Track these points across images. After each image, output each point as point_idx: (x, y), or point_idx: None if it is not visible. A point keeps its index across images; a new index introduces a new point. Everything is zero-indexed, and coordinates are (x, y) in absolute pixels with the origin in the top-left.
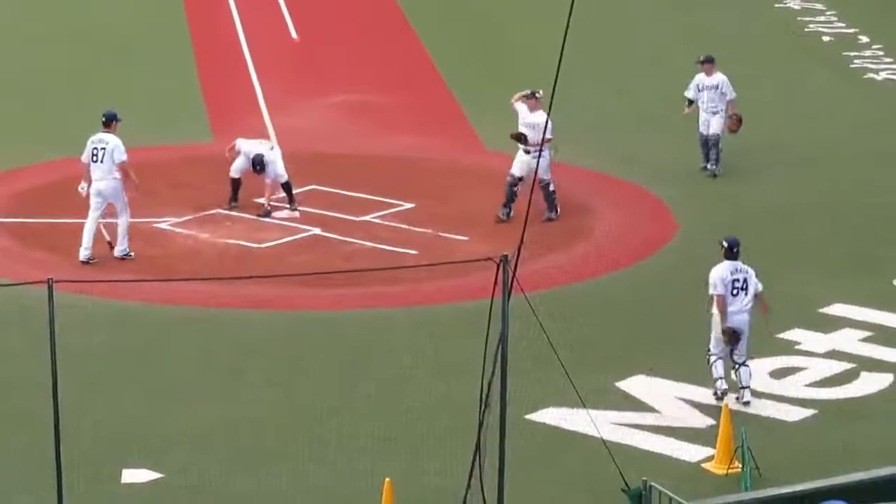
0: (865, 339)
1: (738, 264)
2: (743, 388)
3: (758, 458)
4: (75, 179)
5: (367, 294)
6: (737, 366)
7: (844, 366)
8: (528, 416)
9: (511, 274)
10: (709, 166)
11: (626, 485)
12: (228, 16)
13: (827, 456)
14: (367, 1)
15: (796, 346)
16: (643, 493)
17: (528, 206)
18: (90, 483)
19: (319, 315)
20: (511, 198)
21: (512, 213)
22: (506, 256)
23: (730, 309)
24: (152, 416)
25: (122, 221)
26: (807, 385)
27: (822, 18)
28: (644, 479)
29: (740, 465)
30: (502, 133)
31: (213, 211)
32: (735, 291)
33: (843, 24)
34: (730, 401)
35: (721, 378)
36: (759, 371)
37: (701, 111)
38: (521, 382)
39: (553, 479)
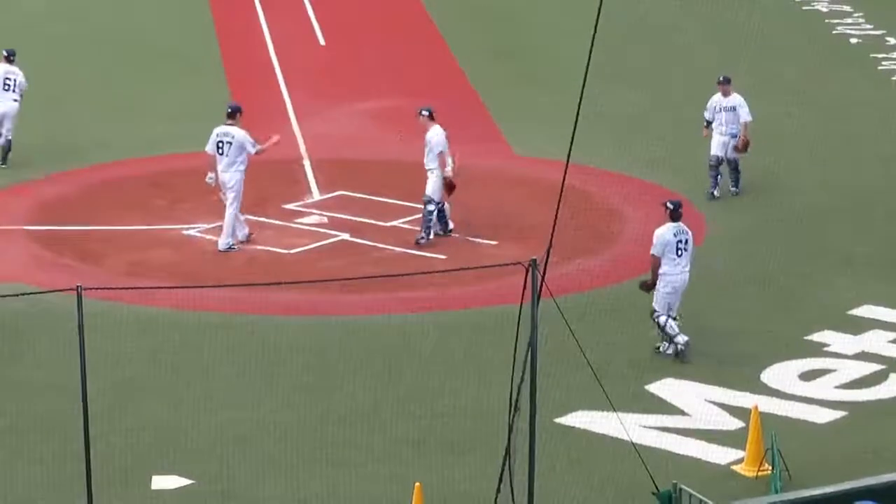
0: (895, 341)
1: (682, 226)
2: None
3: (787, 460)
4: (103, 186)
5: (397, 299)
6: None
7: (874, 367)
8: (557, 420)
9: (540, 278)
10: (730, 188)
11: (656, 487)
12: (256, 22)
13: (857, 457)
14: (395, 6)
15: (825, 348)
16: (673, 495)
17: (557, 210)
18: (120, 489)
19: (349, 320)
20: (429, 221)
21: (432, 236)
22: (534, 261)
23: (672, 269)
24: (181, 423)
25: (229, 214)
26: (836, 387)
27: (850, 20)
28: (674, 481)
29: (770, 468)
30: (530, 138)
31: (242, 217)
32: (679, 252)
33: (871, 26)
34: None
35: (679, 334)
36: (788, 373)
37: (715, 133)
38: (550, 386)
39: (583, 482)
